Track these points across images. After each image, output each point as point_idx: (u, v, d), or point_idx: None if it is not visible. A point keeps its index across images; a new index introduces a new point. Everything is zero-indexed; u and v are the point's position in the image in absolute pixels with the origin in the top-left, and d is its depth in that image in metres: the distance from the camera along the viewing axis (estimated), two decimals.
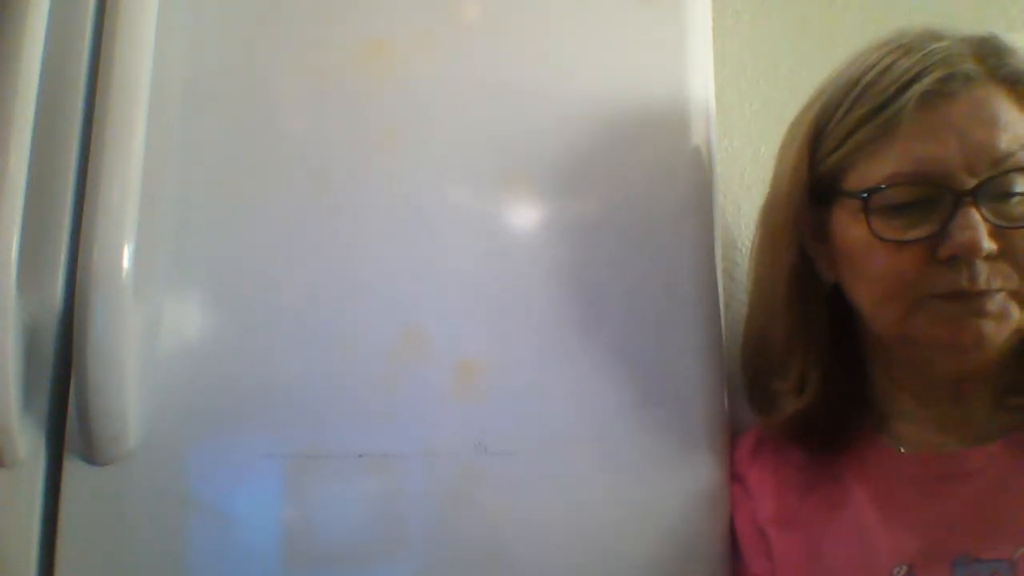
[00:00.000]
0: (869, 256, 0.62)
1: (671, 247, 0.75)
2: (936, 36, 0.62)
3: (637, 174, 0.75)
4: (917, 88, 0.59)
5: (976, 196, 0.57)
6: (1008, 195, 0.58)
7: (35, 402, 0.67)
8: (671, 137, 0.76)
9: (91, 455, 0.66)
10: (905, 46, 0.62)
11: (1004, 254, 0.58)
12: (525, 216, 0.74)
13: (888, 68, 0.61)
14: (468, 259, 0.73)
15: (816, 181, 0.65)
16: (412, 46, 0.75)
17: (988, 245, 0.57)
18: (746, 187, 0.92)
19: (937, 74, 0.59)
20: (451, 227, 0.73)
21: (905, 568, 0.60)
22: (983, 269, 0.58)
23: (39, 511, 0.66)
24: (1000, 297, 0.58)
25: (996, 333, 0.58)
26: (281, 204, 0.72)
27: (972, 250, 0.57)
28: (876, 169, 0.61)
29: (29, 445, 0.66)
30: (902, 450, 0.65)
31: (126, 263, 0.65)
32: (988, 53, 0.61)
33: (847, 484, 0.66)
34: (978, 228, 0.57)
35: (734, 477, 0.73)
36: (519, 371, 0.72)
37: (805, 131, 0.66)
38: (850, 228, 0.63)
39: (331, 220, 0.72)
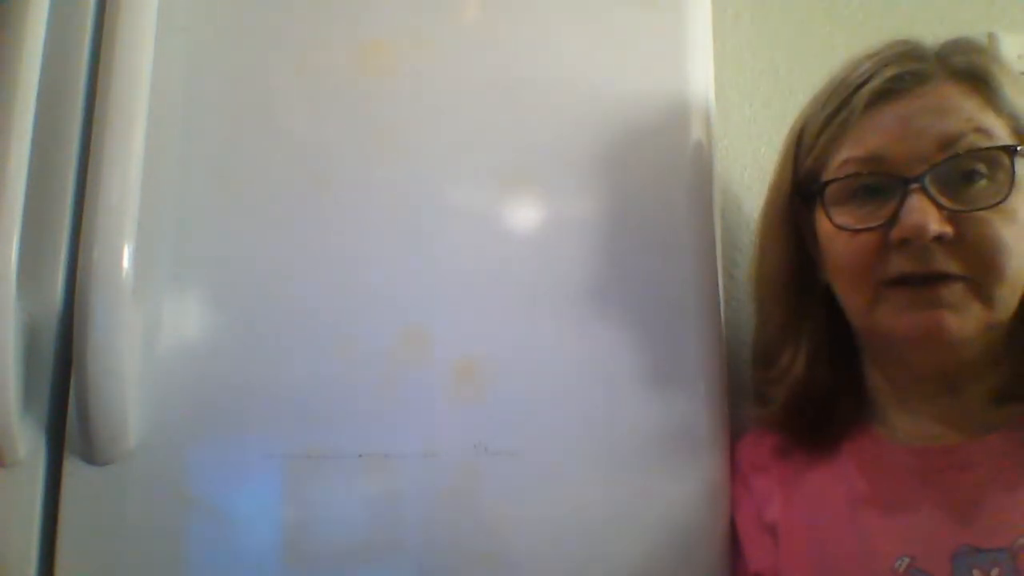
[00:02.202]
0: (833, 246, 0.65)
1: (671, 247, 0.75)
2: (905, 41, 0.65)
3: (637, 174, 0.75)
4: (867, 88, 0.62)
5: (923, 182, 0.59)
6: (966, 179, 0.59)
7: (35, 402, 0.67)
8: (671, 136, 0.76)
9: (91, 455, 0.66)
10: (874, 52, 0.65)
11: (960, 239, 0.59)
12: (525, 216, 0.74)
13: (852, 72, 0.64)
14: (468, 259, 0.73)
15: (800, 182, 0.68)
16: (412, 46, 0.75)
17: (936, 228, 0.58)
18: (746, 187, 0.92)
19: (888, 73, 0.62)
20: (451, 227, 0.73)
21: (907, 560, 0.60)
22: (936, 253, 0.59)
23: (39, 511, 0.66)
24: (958, 288, 0.59)
25: (958, 326, 0.59)
26: (281, 204, 0.72)
27: (919, 233, 0.58)
28: (835, 165, 0.64)
29: (29, 445, 0.66)
30: (899, 442, 0.65)
31: (126, 263, 0.65)
32: (951, 52, 0.63)
33: (848, 479, 0.67)
34: (925, 212, 0.58)
35: (735, 477, 0.73)
36: (519, 371, 0.72)
37: (791, 136, 0.70)
38: (820, 222, 0.66)
39: (331, 220, 0.72)
